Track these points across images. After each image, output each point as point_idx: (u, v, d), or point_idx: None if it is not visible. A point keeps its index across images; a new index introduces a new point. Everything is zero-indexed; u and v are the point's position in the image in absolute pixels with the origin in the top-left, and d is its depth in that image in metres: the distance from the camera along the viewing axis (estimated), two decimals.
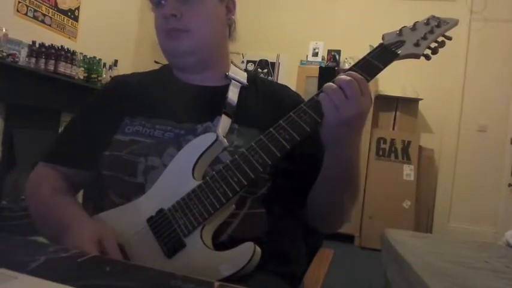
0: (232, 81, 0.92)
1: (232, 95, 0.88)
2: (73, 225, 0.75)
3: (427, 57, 0.79)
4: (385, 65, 0.74)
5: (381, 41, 0.80)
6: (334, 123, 0.69)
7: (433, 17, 0.81)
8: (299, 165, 0.86)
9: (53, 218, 0.81)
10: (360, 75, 0.71)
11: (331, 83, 0.70)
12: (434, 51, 0.79)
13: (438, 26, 0.79)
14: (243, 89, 0.92)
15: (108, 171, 0.83)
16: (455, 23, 0.80)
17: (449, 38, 0.79)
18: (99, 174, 0.84)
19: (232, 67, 0.97)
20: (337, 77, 0.71)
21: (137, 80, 0.96)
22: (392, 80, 3.95)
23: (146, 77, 0.98)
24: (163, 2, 0.86)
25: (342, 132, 0.71)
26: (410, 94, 4.08)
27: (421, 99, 4.10)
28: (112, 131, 0.85)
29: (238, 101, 0.88)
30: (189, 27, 0.86)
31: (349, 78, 0.69)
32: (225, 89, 0.90)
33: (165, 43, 0.88)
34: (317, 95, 0.73)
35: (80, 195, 0.99)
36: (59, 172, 0.89)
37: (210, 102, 0.87)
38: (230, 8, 0.94)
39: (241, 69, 0.99)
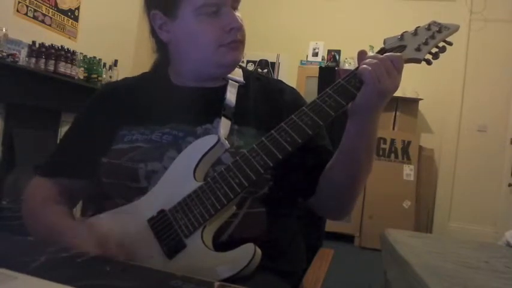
0: (230, 81, 0.91)
1: (230, 95, 0.88)
2: (62, 235, 0.75)
3: (428, 62, 0.79)
4: None
5: (382, 45, 0.80)
6: (374, 93, 0.73)
7: (434, 22, 0.82)
8: (301, 164, 0.86)
9: (42, 230, 0.82)
10: (397, 54, 0.75)
11: (373, 59, 0.74)
12: (435, 56, 0.79)
13: (439, 31, 0.80)
14: (241, 88, 0.91)
15: (109, 179, 0.82)
16: (456, 28, 0.80)
17: (450, 44, 0.80)
18: (100, 182, 0.84)
19: None
20: (374, 55, 0.74)
21: (130, 86, 0.95)
22: None
23: (139, 82, 0.96)
24: (219, 13, 0.83)
25: (374, 103, 0.74)
26: (410, 94, 4.08)
27: (421, 99, 4.10)
28: (109, 140, 0.85)
29: (236, 102, 0.87)
30: (244, 38, 0.87)
31: (383, 57, 0.74)
32: (222, 89, 0.89)
33: (221, 56, 0.85)
34: (319, 97, 0.73)
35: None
36: (55, 184, 0.88)
37: (208, 104, 0.87)
38: None
39: None
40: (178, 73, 0.93)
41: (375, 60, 0.73)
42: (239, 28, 0.84)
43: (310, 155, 0.86)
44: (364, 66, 0.73)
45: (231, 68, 0.90)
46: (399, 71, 0.74)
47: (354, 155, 0.79)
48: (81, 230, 0.73)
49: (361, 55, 0.76)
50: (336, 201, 0.87)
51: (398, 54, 0.75)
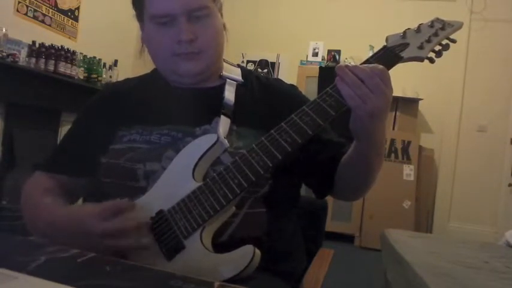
0: (228, 80, 0.91)
1: (229, 94, 0.88)
2: (65, 219, 0.76)
3: (431, 60, 0.78)
4: (389, 68, 0.73)
5: (384, 44, 0.79)
6: (364, 116, 0.70)
7: (438, 19, 0.80)
8: (301, 163, 0.86)
9: (40, 215, 0.82)
10: (380, 66, 0.70)
11: (351, 74, 0.69)
12: (439, 54, 0.78)
13: (443, 28, 0.78)
14: (239, 87, 0.91)
15: (108, 178, 0.82)
16: (460, 25, 0.79)
17: (454, 41, 0.78)
18: (99, 182, 0.84)
19: (225, 66, 0.95)
20: (357, 68, 0.69)
21: (130, 87, 0.95)
22: (392, 79, 3.91)
23: (139, 83, 0.97)
24: (174, 23, 0.82)
25: (370, 123, 0.71)
26: (410, 94, 4.07)
27: (421, 99, 4.10)
28: (108, 140, 0.85)
29: (235, 100, 0.87)
30: (202, 49, 0.85)
31: (367, 71, 0.69)
32: (220, 89, 0.89)
33: (176, 66, 0.85)
34: (319, 97, 0.72)
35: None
36: (54, 180, 0.89)
37: (206, 104, 0.87)
38: (221, 12, 0.92)
39: (233, 65, 0.98)
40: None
41: (356, 80, 0.68)
42: (188, 41, 0.82)
43: (318, 151, 0.87)
44: (347, 89, 0.69)
45: (191, 78, 0.88)
46: (386, 83, 0.69)
47: (363, 162, 0.81)
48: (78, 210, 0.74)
49: (341, 71, 0.70)
50: (349, 191, 0.91)
51: (381, 66, 0.70)
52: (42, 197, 0.84)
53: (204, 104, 0.87)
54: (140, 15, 0.88)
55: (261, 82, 0.95)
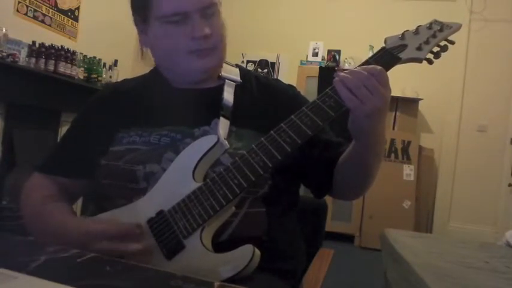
0: (227, 80, 0.91)
1: (228, 95, 0.88)
2: (67, 231, 0.76)
3: (430, 62, 0.78)
4: (387, 69, 0.73)
5: (383, 44, 0.79)
6: (362, 117, 0.70)
7: (436, 21, 0.81)
8: (300, 163, 0.86)
9: (45, 227, 0.82)
10: (379, 68, 0.71)
11: (349, 76, 0.69)
12: (437, 55, 0.78)
13: (441, 30, 0.79)
14: (238, 87, 0.91)
15: (107, 180, 0.82)
16: (458, 27, 0.79)
17: (452, 42, 0.79)
18: (99, 184, 0.84)
19: (224, 66, 0.95)
20: (355, 69, 0.70)
21: (129, 88, 0.95)
22: (392, 80, 3.85)
23: (138, 83, 0.97)
24: (187, 21, 0.82)
25: (368, 123, 0.72)
26: (410, 94, 4.07)
27: (421, 99, 4.10)
28: (107, 142, 0.85)
29: (234, 101, 0.87)
30: (216, 45, 0.85)
31: (365, 73, 0.69)
32: (219, 90, 0.89)
33: (190, 63, 0.85)
34: (319, 98, 0.72)
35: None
36: (54, 182, 0.89)
37: (205, 105, 0.87)
38: (221, 10, 0.91)
39: (232, 64, 0.98)
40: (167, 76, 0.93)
41: (355, 81, 0.69)
42: (203, 37, 0.82)
43: (317, 151, 0.87)
44: (345, 90, 0.69)
45: (204, 74, 0.88)
46: (384, 84, 0.70)
47: (361, 162, 0.81)
48: (84, 228, 0.73)
49: (339, 72, 0.71)
50: (348, 191, 0.91)
51: (379, 68, 0.71)
52: (43, 207, 0.84)
53: (203, 105, 0.87)
54: (144, 18, 0.87)
55: (260, 82, 0.95)
